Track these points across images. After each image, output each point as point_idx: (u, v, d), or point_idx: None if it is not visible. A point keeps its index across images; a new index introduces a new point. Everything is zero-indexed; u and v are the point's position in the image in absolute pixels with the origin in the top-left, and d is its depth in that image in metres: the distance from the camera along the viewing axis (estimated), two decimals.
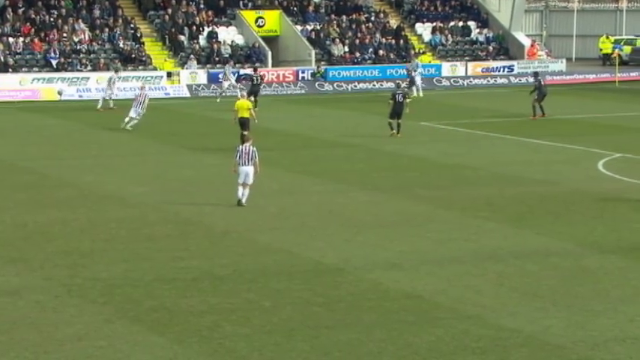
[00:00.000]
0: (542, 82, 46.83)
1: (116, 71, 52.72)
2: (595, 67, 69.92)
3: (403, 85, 50.53)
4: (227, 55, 61.30)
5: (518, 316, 18.87)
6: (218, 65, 60.35)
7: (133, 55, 59.48)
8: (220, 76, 55.69)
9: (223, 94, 53.36)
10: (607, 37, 73.50)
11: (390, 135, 40.98)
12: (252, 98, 47.00)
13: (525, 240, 24.64)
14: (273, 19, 64.46)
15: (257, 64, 57.25)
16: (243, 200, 27.78)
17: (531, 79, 62.78)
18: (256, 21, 63.94)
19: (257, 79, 50.21)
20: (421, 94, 54.99)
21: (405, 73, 56.64)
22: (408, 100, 41.88)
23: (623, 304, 19.65)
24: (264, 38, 62.94)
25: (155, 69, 59.26)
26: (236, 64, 60.47)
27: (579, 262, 22.72)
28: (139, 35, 61.33)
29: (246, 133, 36.26)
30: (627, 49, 70.34)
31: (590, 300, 19.87)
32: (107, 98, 49.80)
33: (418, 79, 56.06)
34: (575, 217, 27.11)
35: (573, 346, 17.37)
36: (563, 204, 28.71)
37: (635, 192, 29.87)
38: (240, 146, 27.87)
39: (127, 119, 42.84)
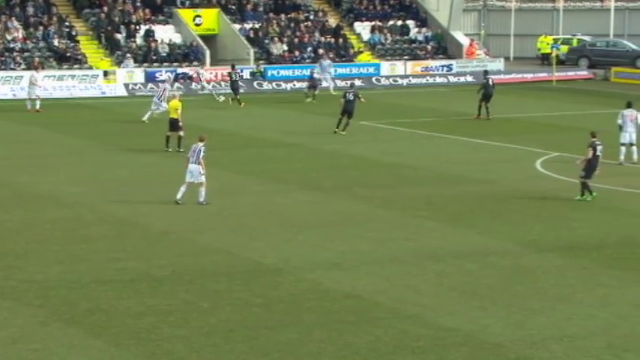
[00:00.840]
0: (490, 82, 46.76)
1: (36, 69, 51.95)
2: (533, 66, 70.49)
3: (308, 85, 51.55)
4: (164, 54, 60.86)
5: (458, 316, 18.88)
6: (155, 64, 59.93)
7: (68, 54, 58.80)
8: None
9: (215, 93, 53.15)
10: (546, 37, 74.14)
11: (334, 132, 40.96)
12: (234, 95, 50.30)
13: (465, 239, 24.69)
14: (211, 18, 64.11)
15: (233, 63, 57.07)
16: (201, 199, 27.86)
17: (470, 78, 63.43)
18: (194, 19, 63.56)
19: (235, 76, 51.61)
20: (333, 92, 54.80)
21: (309, 73, 56.30)
22: (364, 100, 41.99)
23: (560, 302, 19.75)
24: (202, 37, 62.57)
25: (91, 68, 58.65)
26: (173, 63, 60.10)
27: (518, 261, 22.81)
28: (74, 34, 60.65)
29: (179, 133, 36.14)
30: (564, 48, 70.95)
31: (529, 299, 19.94)
32: (33, 98, 48.95)
33: (328, 77, 55.90)
34: (514, 216, 27.24)
35: (512, 345, 17.41)
36: (502, 203, 28.83)
37: (572, 191, 30.07)
38: (194, 145, 28.16)
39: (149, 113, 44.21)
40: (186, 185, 27.88)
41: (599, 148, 28.52)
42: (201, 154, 27.93)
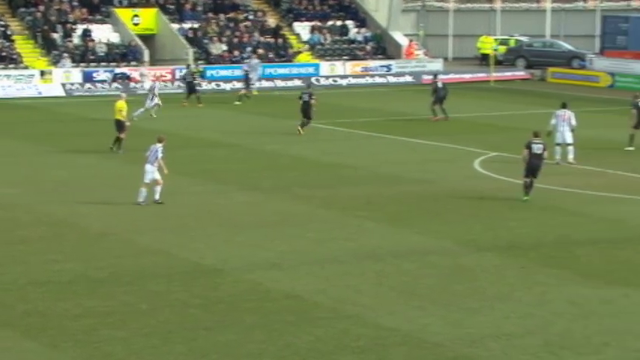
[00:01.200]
0: (440, 85, 46.83)
1: None
2: (471, 66, 70.94)
3: (241, 85, 51.68)
4: (102, 54, 60.32)
5: (397, 315, 18.93)
6: (93, 64, 59.40)
7: (4, 54, 58.08)
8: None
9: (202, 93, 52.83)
10: (487, 37, 74.68)
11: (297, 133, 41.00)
12: (193, 95, 50.73)
13: (404, 239, 24.77)
14: (149, 18, 63.67)
15: (190, 63, 56.72)
16: (156, 196, 27.90)
17: (409, 79, 63.69)
18: (132, 19, 63.11)
19: (189, 77, 51.94)
20: (255, 92, 54.74)
21: (243, 73, 56.13)
22: (314, 101, 41.94)
23: (499, 301, 19.89)
24: (140, 37, 62.13)
25: (27, 67, 57.97)
26: (111, 63, 59.63)
27: (457, 260, 22.93)
28: (9, 33, 59.91)
29: (120, 135, 35.92)
30: (502, 49, 71.51)
31: (467, 298, 20.06)
32: None
33: (255, 77, 55.74)
34: (453, 216, 27.38)
35: (451, 344, 17.50)
36: (440, 203, 28.97)
37: (511, 190, 30.32)
38: (152, 146, 28.25)
39: (142, 109, 44.93)
40: (144, 186, 27.80)
41: (535, 147, 28.66)
42: (159, 154, 28.01)
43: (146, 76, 55.00)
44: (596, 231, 25.72)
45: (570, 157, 34.81)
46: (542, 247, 24.14)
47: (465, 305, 19.55)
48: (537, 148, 28.69)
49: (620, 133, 41.66)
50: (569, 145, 34.88)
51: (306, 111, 41.38)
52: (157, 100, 46.16)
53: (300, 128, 41.10)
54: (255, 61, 57.95)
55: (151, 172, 27.82)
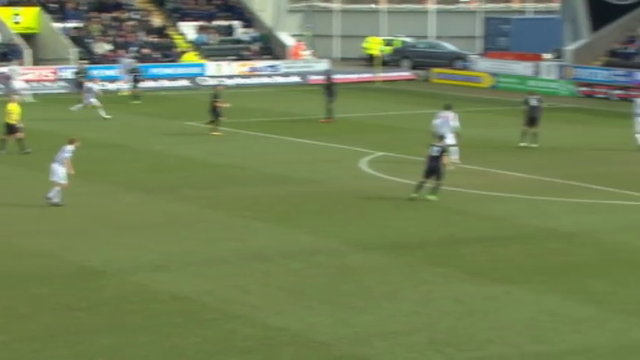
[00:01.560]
0: (330, 83, 46.94)
1: None
2: (358, 67, 71.38)
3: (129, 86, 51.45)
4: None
5: (285, 315, 18.93)
6: None
7: None
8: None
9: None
10: (375, 38, 75.25)
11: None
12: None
13: (291, 239, 24.78)
14: (30, 16, 62.54)
15: (82, 62, 55.96)
16: (50, 194, 27.54)
17: (296, 79, 63.77)
18: (12, 18, 61.92)
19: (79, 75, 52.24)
20: (124, 92, 54.43)
21: (122, 73, 55.67)
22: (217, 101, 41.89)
23: (385, 300, 20.03)
24: (22, 36, 61.01)
25: None
26: None
27: (344, 259, 23.03)
28: None
29: (18, 135, 35.18)
30: (387, 49, 72.17)
31: (354, 297, 20.15)
32: None
33: (127, 77, 55.16)
34: (340, 216, 27.50)
35: (338, 343, 17.56)
36: (328, 203, 29.07)
37: (398, 190, 30.58)
38: (63, 146, 28.11)
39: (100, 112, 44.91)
40: (53, 185, 27.47)
41: (433, 149, 29.10)
42: (65, 154, 27.76)
43: (15, 75, 52.97)
44: (480, 229, 26.09)
45: (454, 157, 35.23)
46: (428, 245, 24.39)
47: (352, 304, 19.64)
48: (434, 150, 29.11)
49: (502, 132, 42.42)
50: (450, 146, 35.27)
51: (210, 110, 41.47)
52: (91, 100, 46.07)
53: (212, 130, 41.11)
54: (127, 60, 57.31)
55: (58, 172, 27.43)
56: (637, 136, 38.90)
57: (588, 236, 25.41)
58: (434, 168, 28.91)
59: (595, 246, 24.55)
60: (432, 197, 29.01)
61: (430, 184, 29.04)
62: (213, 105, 41.87)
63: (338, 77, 62.90)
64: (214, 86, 45.16)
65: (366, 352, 17.21)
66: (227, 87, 61.23)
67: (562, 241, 24.97)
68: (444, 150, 29.31)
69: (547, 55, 66.14)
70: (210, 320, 18.57)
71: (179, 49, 64.93)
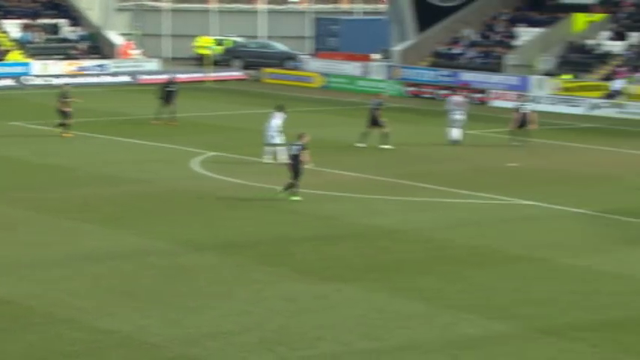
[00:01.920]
0: (172, 85, 46.35)
1: None
2: (188, 66, 70.98)
3: None
4: None
5: (115, 317, 18.64)
6: None
7: None
8: None
9: None
10: (204, 37, 74.93)
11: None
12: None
13: (121, 240, 24.44)
14: None
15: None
16: None
17: (125, 78, 62.97)
18: None
19: None
20: None
21: None
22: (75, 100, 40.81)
23: (217, 299, 19.96)
24: None
25: None
26: None
27: (175, 260, 22.85)
28: None
29: None
30: (218, 49, 72.03)
31: (186, 297, 20.02)
32: None
33: None
34: (171, 216, 27.28)
35: (169, 344, 17.41)
36: (159, 203, 28.80)
37: (229, 190, 30.52)
38: None
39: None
40: None
41: (292, 148, 29.37)
42: None
43: None
44: (311, 228, 26.27)
45: (282, 156, 35.34)
46: (260, 245, 24.42)
47: (183, 305, 19.50)
48: (294, 149, 29.31)
49: (334, 131, 42.84)
50: (278, 145, 35.39)
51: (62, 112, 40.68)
52: None
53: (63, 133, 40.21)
54: None
55: None
56: (448, 130, 40.35)
57: (418, 234, 25.88)
58: (293, 167, 29.14)
59: (424, 243, 25.02)
60: (295, 198, 29.07)
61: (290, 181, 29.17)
62: (62, 105, 40.64)
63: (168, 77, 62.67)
64: (61, 86, 43.90)
65: (198, 352, 17.11)
66: (53, 87, 60.21)
67: (393, 239, 25.36)
68: (303, 147, 29.42)
69: (375, 56, 67.12)
70: (37, 325, 18.13)
71: (3, 48, 63.29)
